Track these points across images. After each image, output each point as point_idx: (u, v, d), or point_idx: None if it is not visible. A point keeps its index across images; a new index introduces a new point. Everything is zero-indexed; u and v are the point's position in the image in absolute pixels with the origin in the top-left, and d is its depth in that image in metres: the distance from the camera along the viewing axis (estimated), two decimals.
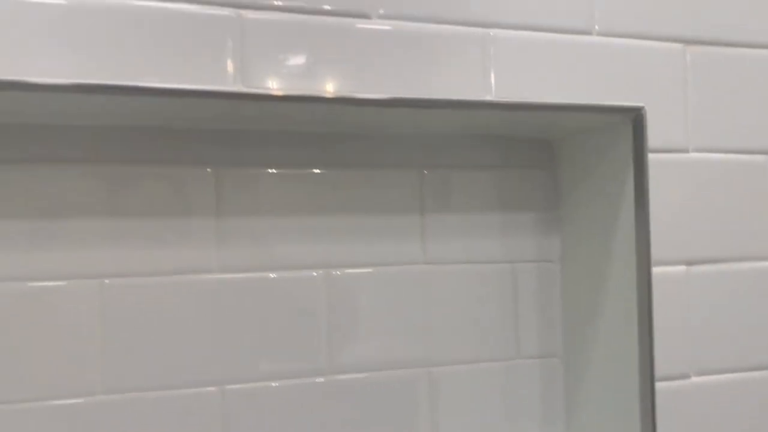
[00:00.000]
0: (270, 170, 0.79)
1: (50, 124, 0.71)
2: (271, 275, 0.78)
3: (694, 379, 0.78)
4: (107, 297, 0.73)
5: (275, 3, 0.64)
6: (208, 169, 0.76)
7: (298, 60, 0.65)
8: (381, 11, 0.67)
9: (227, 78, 0.63)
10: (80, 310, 0.72)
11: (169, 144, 0.75)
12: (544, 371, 0.87)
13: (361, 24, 0.66)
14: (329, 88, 0.65)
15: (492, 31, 0.70)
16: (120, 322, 0.73)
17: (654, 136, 0.76)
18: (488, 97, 0.70)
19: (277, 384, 0.77)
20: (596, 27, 0.74)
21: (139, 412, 0.73)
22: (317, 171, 0.80)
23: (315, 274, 0.80)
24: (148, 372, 0.74)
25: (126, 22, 0.60)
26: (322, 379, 0.79)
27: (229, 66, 0.63)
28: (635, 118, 0.75)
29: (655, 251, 0.75)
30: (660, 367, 0.75)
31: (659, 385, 0.75)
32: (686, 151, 0.78)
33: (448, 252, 0.85)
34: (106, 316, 0.73)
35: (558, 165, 0.88)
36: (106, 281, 0.73)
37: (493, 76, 0.70)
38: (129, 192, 0.74)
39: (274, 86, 0.64)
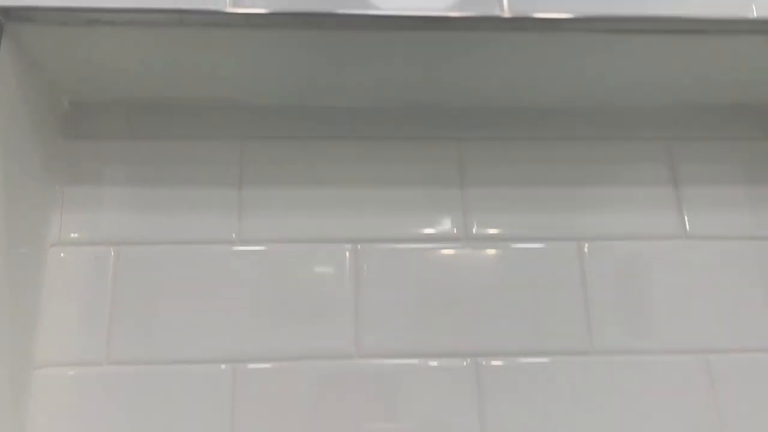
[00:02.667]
0: (512, 142, 0.79)
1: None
2: (517, 245, 0.75)
3: None
4: (359, 260, 0.73)
5: None
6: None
7: None
8: None
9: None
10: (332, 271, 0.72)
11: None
12: None
13: None
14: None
15: None
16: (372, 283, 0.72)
17: None
18: (750, 15, 0.66)
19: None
20: None
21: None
22: (561, 143, 0.79)
23: (543, 246, 0.75)
24: (399, 337, 0.71)
25: None
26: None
27: None
28: None
29: None
30: None
31: None
32: None
33: (710, 227, 0.77)
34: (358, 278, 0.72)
35: None
36: (359, 246, 0.73)
37: None
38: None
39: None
